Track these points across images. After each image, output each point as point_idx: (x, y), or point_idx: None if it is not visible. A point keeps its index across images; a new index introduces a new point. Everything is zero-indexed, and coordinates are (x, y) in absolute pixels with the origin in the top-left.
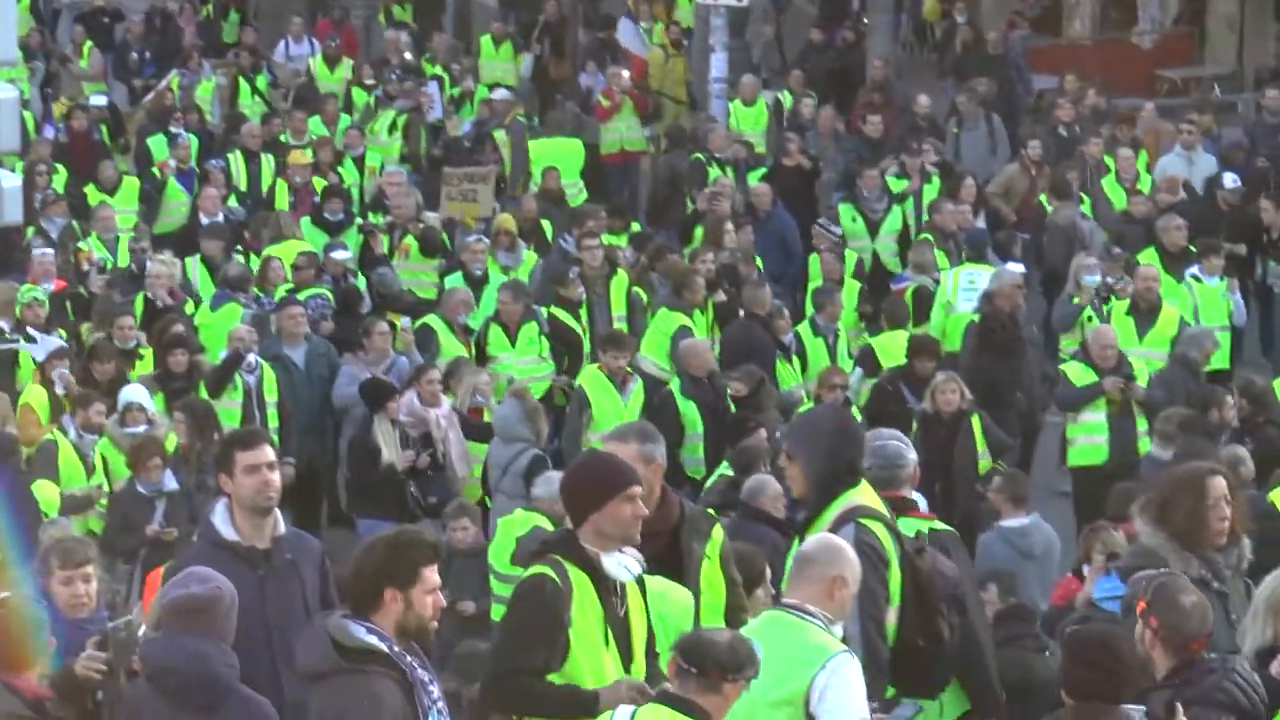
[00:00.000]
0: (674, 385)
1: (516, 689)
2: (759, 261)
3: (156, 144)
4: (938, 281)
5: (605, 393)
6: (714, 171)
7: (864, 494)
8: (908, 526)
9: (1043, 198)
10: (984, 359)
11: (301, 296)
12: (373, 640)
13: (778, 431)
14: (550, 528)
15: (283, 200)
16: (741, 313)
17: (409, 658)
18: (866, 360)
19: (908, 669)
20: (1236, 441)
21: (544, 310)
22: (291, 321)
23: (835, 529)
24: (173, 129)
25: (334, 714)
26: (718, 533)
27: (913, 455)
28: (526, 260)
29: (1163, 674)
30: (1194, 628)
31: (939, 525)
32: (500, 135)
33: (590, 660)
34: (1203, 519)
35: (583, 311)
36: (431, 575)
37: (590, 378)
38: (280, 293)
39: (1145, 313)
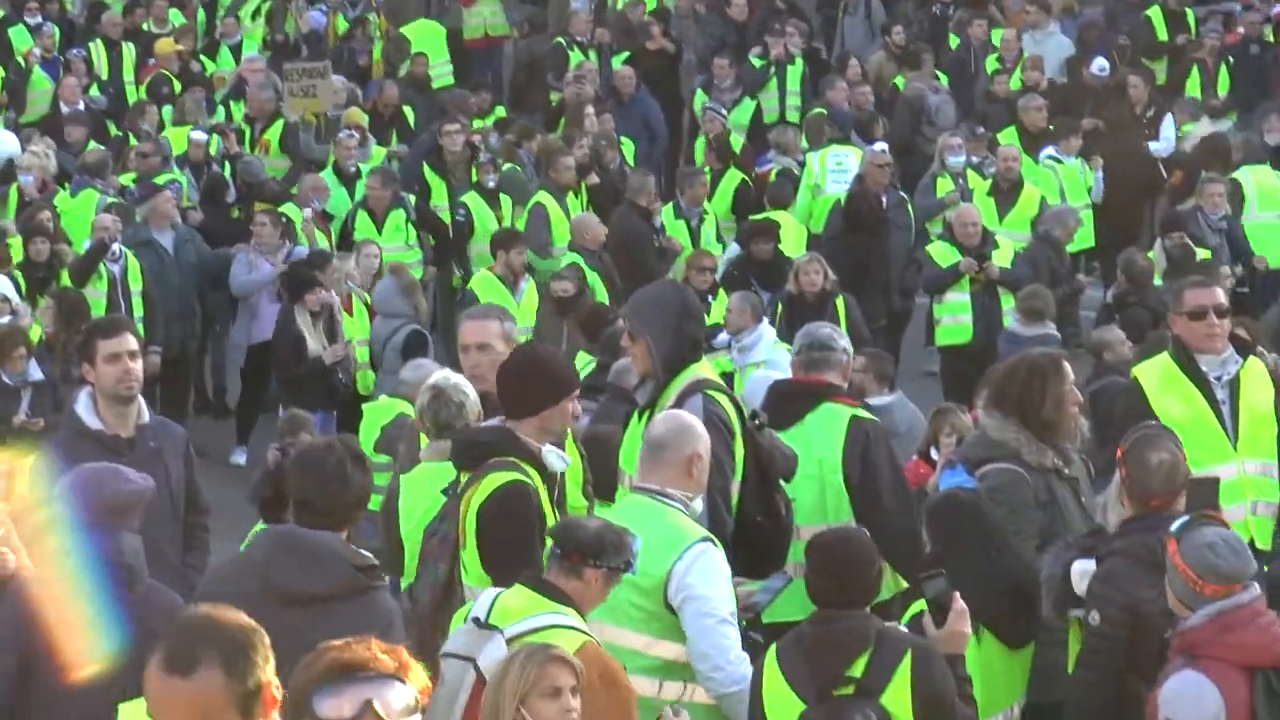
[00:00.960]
0: (576, 258)
1: None
2: (629, 146)
3: (18, 34)
4: (801, 164)
5: (497, 294)
6: (575, 56)
7: (705, 368)
8: (830, 412)
9: (898, 79)
10: (851, 239)
11: (159, 182)
12: (370, 557)
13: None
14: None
15: (178, 86)
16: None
17: None
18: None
19: (745, 545)
20: (1108, 320)
21: (410, 197)
22: (166, 204)
23: (682, 401)
24: (30, 19)
25: (380, 630)
26: None
27: (845, 343)
28: (375, 155)
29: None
30: (1156, 485)
31: (863, 413)
32: (372, 17)
33: None
34: (1061, 405)
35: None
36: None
37: (481, 281)
38: (128, 180)
39: (1006, 193)
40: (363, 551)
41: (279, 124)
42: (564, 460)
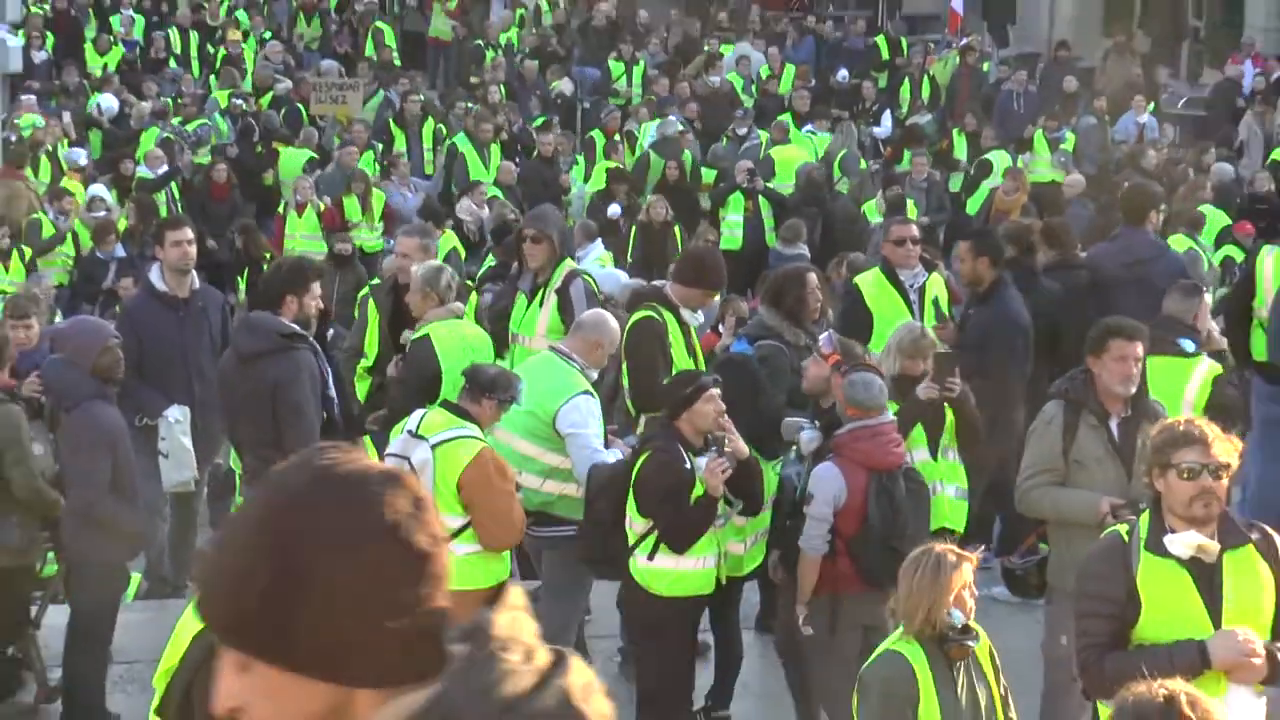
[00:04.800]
0: (498, 192)
1: None
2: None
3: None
4: None
5: None
6: (490, 54)
7: (572, 263)
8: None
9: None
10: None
11: (191, 127)
12: (292, 326)
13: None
14: None
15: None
16: None
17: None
18: None
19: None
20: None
21: (378, 144)
22: (350, 158)
23: (568, 283)
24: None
25: (289, 378)
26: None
27: None
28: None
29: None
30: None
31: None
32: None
33: None
34: (805, 302)
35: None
36: (316, 287)
37: None
38: (176, 120)
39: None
40: (284, 321)
41: (269, 94)
42: (695, 318)
